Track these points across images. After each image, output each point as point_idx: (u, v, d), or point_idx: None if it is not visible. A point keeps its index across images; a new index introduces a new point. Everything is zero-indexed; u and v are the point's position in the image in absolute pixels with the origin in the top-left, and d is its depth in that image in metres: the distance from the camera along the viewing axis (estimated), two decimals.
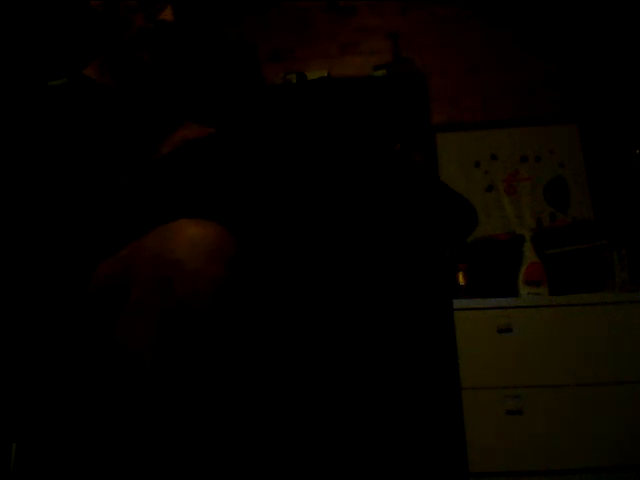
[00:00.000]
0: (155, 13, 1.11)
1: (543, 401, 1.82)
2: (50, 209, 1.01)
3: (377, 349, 1.32)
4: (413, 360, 1.31)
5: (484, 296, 2.04)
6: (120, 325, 0.80)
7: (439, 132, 2.60)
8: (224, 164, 1.10)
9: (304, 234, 1.27)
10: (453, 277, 2.17)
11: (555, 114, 2.61)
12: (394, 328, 1.33)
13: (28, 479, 1.09)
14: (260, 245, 1.16)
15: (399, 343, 1.32)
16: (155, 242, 0.81)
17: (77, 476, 1.00)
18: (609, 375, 1.82)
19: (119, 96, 1.15)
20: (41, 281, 0.99)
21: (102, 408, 0.82)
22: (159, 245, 0.80)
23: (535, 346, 1.87)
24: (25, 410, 0.98)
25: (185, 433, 0.79)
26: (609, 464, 1.75)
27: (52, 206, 1.01)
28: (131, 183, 1.03)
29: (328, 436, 1.26)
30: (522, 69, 2.68)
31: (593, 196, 2.49)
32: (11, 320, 0.98)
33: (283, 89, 1.91)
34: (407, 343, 1.32)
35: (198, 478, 0.83)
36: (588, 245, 2.10)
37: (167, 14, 1.11)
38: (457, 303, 1.89)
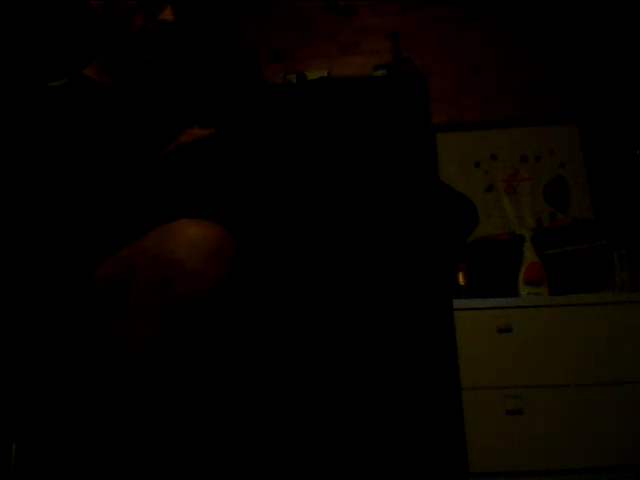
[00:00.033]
0: (155, 13, 1.11)
1: (543, 401, 1.82)
2: (50, 209, 1.01)
3: (377, 349, 1.32)
4: (413, 360, 1.31)
5: (484, 296, 2.04)
6: (120, 325, 0.80)
7: (439, 132, 2.60)
8: (224, 164, 1.10)
9: (304, 234, 1.27)
10: (453, 277, 2.17)
11: (555, 114, 2.61)
12: (394, 328, 1.33)
13: (28, 479, 1.09)
14: (260, 245, 1.16)
15: (399, 343, 1.32)
16: (155, 242, 0.81)
17: (77, 476, 1.00)
18: (609, 375, 1.82)
19: (119, 96, 1.15)
20: (41, 281, 0.99)
21: (102, 408, 0.82)
22: (159, 245, 0.80)
23: (535, 346, 1.87)
24: (25, 410, 0.98)
25: (185, 433, 0.79)
26: (609, 464, 1.75)
27: (52, 206, 1.01)
28: (131, 183, 1.03)
29: (328, 436, 1.26)
30: (522, 69, 2.68)
31: (593, 196, 2.49)
32: (11, 320, 0.98)
33: (283, 89, 1.92)
34: (407, 343, 1.32)
35: (198, 478, 0.83)
36: (588, 245, 2.10)
37: (167, 14, 1.11)
38: (457, 303, 1.88)
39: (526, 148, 2.59)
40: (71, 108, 1.07)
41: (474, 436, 1.76)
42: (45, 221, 1.01)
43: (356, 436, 1.27)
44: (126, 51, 1.13)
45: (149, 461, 0.76)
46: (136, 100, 1.17)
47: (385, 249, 1.35)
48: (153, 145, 1.10)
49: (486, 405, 1.83)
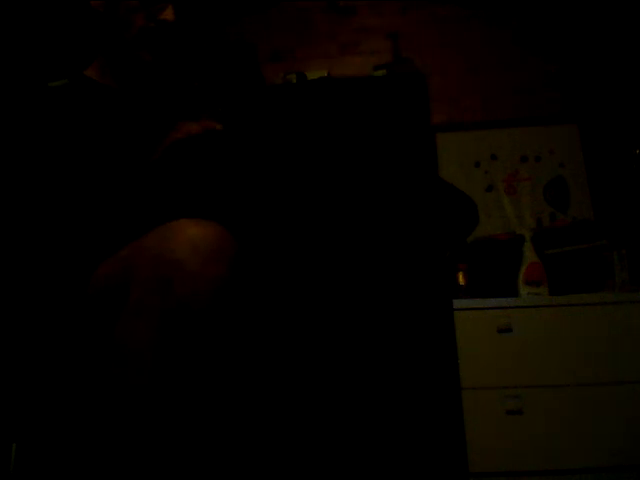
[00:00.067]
0: (156, 13, 1.11)
1: (543, 401, 1.82)
2: (51, 209, 1.01)
3: (377, 349, 1.32)
4: (413, 360, 1.31)
5: (484, 296, 2.04)
6: (120, 325, 0.80)
7: (439, 132, 2.60)
8: (224, 164, 1.10)
9: (304, 234, 1.27)
10: (453, 277, 2.17)
11: (555, 114, 2.61)
12: (394, 328, 1.33)
13: (28, 479, 1.09)
14: (260, 245, 1.16)
15: (399, 343, 1.32)
16: (155, 242, 0.81)
17: (77, 476, 1.00)
18: (609, 375, 1.82)
19: (120, 97, 1.15)
20: (42, 281, 0.99)
21: (102, 408, 0.82)
22: (159, 245, 0.80)
23: (535, 346, 1.87)
24: (25, 410, 0.98)
25: (185, 433, 0.79)
26: (609, 464, 1.75)
27: (53, 206, 1.01)
28: (132, 183, 1.03)
29: (328, 436, 1.26)
30: (522, 69, 2.68)
31: (593, 196, 2.49)
32: (11, 320, 0.98)
33: (283, 89, 1.92)
34: (407, 343, 1.32)
35: (197, 478, 0.83)
36: (588, 245, 2.10)
37: (168, 14, 1.11)
38: (457, 303, 1.88)
39: (526, 148, 2.59)
40: (72, 108, 1.07)
41: (474, 436, 1.76)
42: (45, 221, 1.01)
43: (356, 436, 1.27)
44: (127, 51, 1.13)
45: (149, 461, 0.76)
46: (137, 100, 1.17)
47: (385, 249, 1.35)
48: (153, 145, 1.10)
49: (486, 405, 1.83)
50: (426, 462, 1.27)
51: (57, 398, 0.97)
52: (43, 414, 0.98)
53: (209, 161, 1.12)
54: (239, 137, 1.21)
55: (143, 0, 1.10)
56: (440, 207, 1.31)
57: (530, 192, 2.54)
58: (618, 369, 1.83)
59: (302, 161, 1.29)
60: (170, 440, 0.77)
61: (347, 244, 1.33)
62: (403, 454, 1.27)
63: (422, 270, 1.35)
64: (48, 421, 0.98)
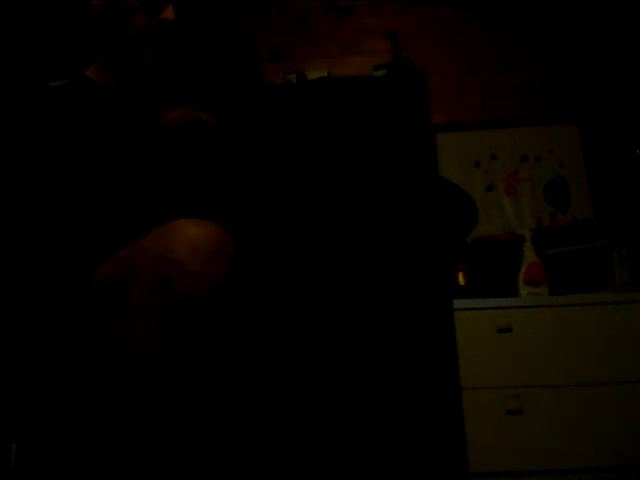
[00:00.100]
0: (157, 12, 1.11)
1: (543, 401, 1.82)
2: (51, 210, 1.01)
3: (377, 349, 1.32)
4: (413, 360, 1.31)
5: (484, 296, 2.04)
6: (120, 325, 0.80)
7: (439, 132, 2.60)
8: (224, 164, 1.10)
9: (304, 234, 1.27)
10: (453, 277, 2.17)
11: (555, 114, 2.61)
12: (394, 328, 1.33)
13: (28, 479, 1.09)
14: (260, 245, 1.16)
15: (399, 343, 1.32)
16: (155, 242, 0.81)
17: (77, 476, 1.00)
18: (609, 375, 1.82)
19: (120, 97, 1.15)
20: (42, 281, 0.99)
21: (102, 408, 0.82)
22: (159, 245, 0.80)
23: (535, 346, 1.87)
24: (25, 410, 0.98)
25: (185, 433, 0.79)
26: (609, 464, 1.75)
27: (53, 207, 1.01)
28: (132, 183, 1.03)
29: (328, 436, 1.26)
30: (522, 69, 2.68)
31: (593, 196, 2.49)
32: (11, 320, 0.98)
33: (283, 89, 1.92)
34: (407, 343, 1.32)
35: (197, 478, 0.83)
36: (588, 245, 2.10)
37: (169, 13, 1.11)
38: (457, 303, 1.88)
39: (526, 148, 2.59)
40: (72, 109, 1.07)
41: (474, 436, 1.76)
42: (45, 221, 1.01)
43: (356, 436, 1.27)
44: (128, 51, 1.13)
45: (149, 461, 0.76)
46: (137, 100, 1.17)
47: (385, 249, 1.35)
48: (153, 145, 1.10)
49: (486, 405, 1.83)
50: (426, 462, 1.28)
51: (57, 398, 0.97)
52: (43, 414, 0.98)
53: (209, 161, 1.12)
54: (239, 137, 1.21)
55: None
56: (440, 206, 1.31)
57: (530, 192, 2.54)
58: (618, 369, 1.83)
59: (302, 161, 1.29)
60: (170, 440, 0.77)
61: (347, 244, 1.33)
62: (403, 454, 1.27)
63: (422, 270, 1.35)
64: (48, 421, 0.98)
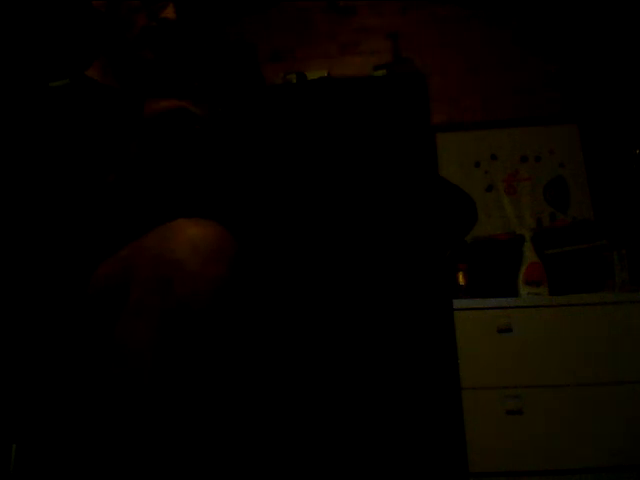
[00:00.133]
0: (157, 11, 1.11)
1: (543, 401, 1.82)
2: (51, 210, 1.01)
3: (377, 349, 1.32)
4: (413, 360, 1.31)
5: (484, 296, 2.04)
6: (120, 325, 0.80)
7: (439, 132, 2.60)
8: (224, 164, 1.10)
9: (303, 234, 1.27)
10: (453, 277, 2.17)
11: (555, 114, 2.61)
12: (394, 328, 1.33)
13: (28, 479, 1.09)
14: (260, 245, 1.16)
15: (399, 343, 1.32)
16: (155, 242, 0.81)
17: (77, 476, 1.00)
18: (609, 375, 1.82)
19: (121, 97, 1.15)
20: (42, 281, 0.99)
21: (102, 408, 0.82)
22: (159, 245, 0.80)
23: (535, 346, 1.87)
24: (25, 410, 0.98)
25: (185, 433, 0.79)
26: (609, 464, 1.75)
27: (53, 207, 1.01)
28: (132, 183, 1.03)
29: (328, 436, 1.26)
30: (522, 69, 2.68)
31: (593, 196, 2.49)
32: (11, 320, 0.98)
33: (283, 89, 1.92)
34: (407, 343, 1.32)
35: (197, 478, 0.83)
36: (588, 245, 2.10)
37: (169, 12, 1.11)
38: (457, 303, 1.88)
39: (526, 148, 2.59)
40: (73, 109, 1.07)
41: (474, 436, 1.76)
42: (46, 221, 1.01)
43: (356, 436, 1.27)
44: (129, 51, 1.13)
45: (149, 461, 0.76)
46: (137, 100, 1.17)
47: (385, 249, 1.35)
48: (153, 145, 1.10)
49: (486, 405, 1.83)
50: (426, 462, 1.28)
51: (57, 398, 0.97)
52: (43, 414, 0.98)
53: (209, 161, 1.12)
54: (239, 137, 1.21)
55: None
56: (439, 206, 1.31)
57: (530, 192, 2.54)
58: (618, 369, 1.83)
59: (302, 161, 1.29)
60: (170, 440, 0.77)
61: (347, 244, 1.33)
62: (403, 454, 1.27)
63: (422, 270, 1.35)
64: (48, 421, 0.98)
